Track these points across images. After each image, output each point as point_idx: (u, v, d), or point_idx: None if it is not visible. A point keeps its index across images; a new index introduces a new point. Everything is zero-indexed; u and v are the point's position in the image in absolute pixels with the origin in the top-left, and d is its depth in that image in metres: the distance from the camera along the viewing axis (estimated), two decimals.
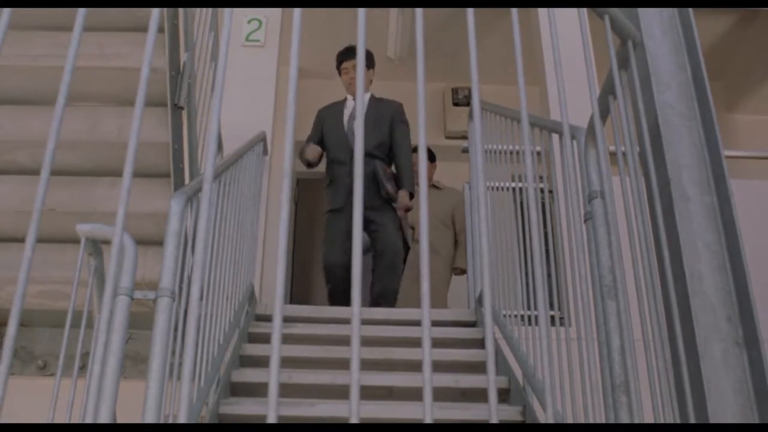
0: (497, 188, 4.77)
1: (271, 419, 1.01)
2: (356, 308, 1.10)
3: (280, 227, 1.12)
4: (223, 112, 4.62)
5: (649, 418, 1.90)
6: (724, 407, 1.94)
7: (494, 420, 1.19)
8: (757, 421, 1.90)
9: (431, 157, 6.70)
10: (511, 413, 3.73)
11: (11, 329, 1.00)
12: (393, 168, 5.99)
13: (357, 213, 1.21)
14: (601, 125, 2.29)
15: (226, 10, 1.33)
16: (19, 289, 1.07)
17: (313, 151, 5.90)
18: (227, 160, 4.06)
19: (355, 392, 1.09)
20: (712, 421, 1.90)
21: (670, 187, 2.18)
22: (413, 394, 3.76)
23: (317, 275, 7.81)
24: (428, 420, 1.12)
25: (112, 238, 1.17)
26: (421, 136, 1.37)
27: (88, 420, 1.03)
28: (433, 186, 6.70)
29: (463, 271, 6.29)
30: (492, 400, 1.20)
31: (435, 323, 4.64)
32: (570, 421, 3.13)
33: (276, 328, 1.09)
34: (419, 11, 1.39)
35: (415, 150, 6.58)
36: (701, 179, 2.20)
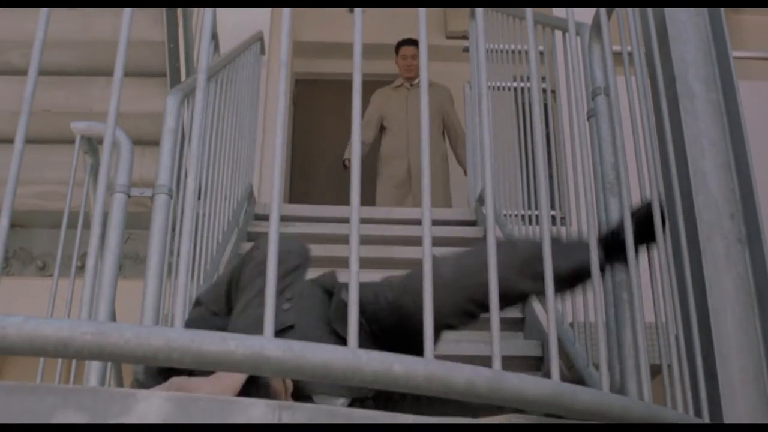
0: (498, 88, 4.71)
1: (269, 322, 0.99)
2: (355, 200, 1.08)
3: (277, 118, 1.08)
4: (219, 11, 4.55)
5: (649, 315, 1.89)
6: (725, 304, 1.94)
7: (495, 321, 1.18)
8: (757, 317, 1.90)
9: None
10: (509, 311, 3.75)
11: (3, 222, 0.98)
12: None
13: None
14: (607, 20, 2.23)
15: None
16: (10, 184, 1.05)
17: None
18: (224, 59, 4.00)
19: (354, 288, 1.08)
20: (712, 317, 1.90)
21: (676, 83, 2.14)
22: None
23: (316, 175, 7.79)
24: (428, 318, 1.11)
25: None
26: (422, 70, 1.33)
27: (84, 314, 1.02)
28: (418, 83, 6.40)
29: None
30: (493, 300, 1.19)
31: (435, 222, 4.64)
32: (569, 319, 3.14)
33: (273, 223, 1.06)
34: (422, 11, 1.33)
35: (409, 42, 6.55)
36: (707, 76, 2.16)
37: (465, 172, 6.25)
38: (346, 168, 6.31)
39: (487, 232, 1.23)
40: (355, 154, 1.19)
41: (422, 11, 1.34)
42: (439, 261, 2.08)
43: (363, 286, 2.08)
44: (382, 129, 6.41)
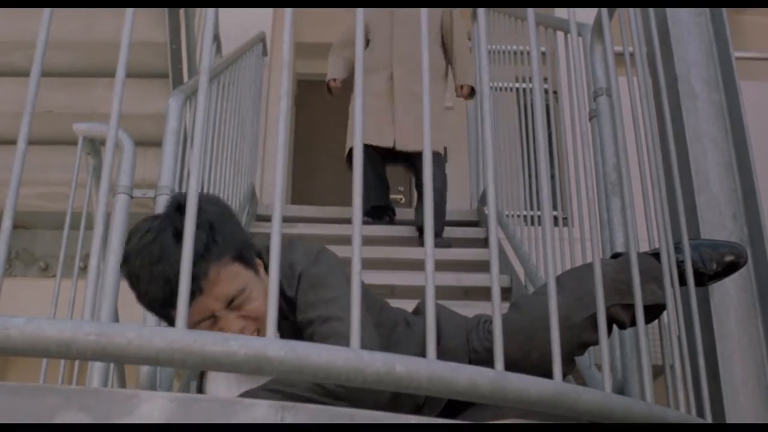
0: (500, 89, 4.71)
1: (271, 323, 1.00)
2: (357, 201, 1.08)
3: (279, 118, 1.09)
4: (221, 12, 4.56)
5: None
6: (727, 304, 1.94)
7: (497, 321, 1.17)
8: (759, 317, 1.91)
9: None
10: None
11: (6, 223, 0.98)
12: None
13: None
14: (608, 20, 2.23)
15: None
16: (13, 185, 1.05)
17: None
18: (226, 60, 4.01)
19: (356, 289, 1.08)
20: (714, 317, 1.91)
21: (678, 83, 2.15)
22: (415, 293, 3.77)
23: (318, 175, 7.79)
24: (430, 318, 1.10)
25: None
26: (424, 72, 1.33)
27: (87, 315, 1.02)
28: None
29: (472, 91, 5.08)
30: (495, 295, 1.19)
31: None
32: None
33: (275, 224, 1.06)
34: (424, 11, 1.33)
35: None
36: (709, 76, 2.16)
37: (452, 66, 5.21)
38: (330, 91, 5.29)
39: (489, 233, 1.23)
40: (357, 158, 1.19)
41: (423, 11, 1.34)
42: (542, 292, 1.95)
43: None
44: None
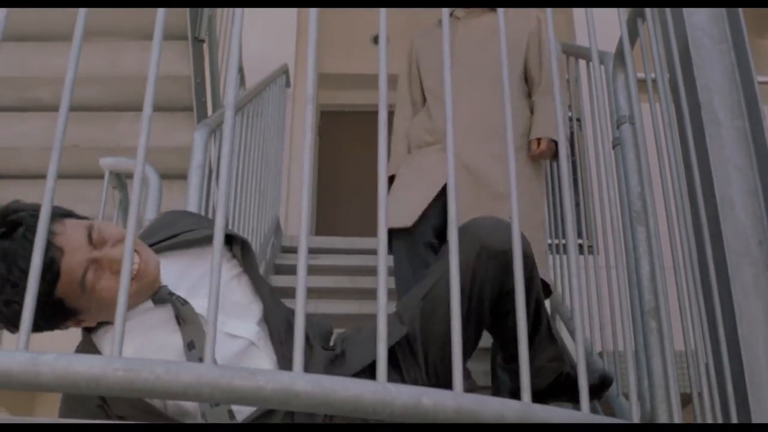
0: None
1: (298, 360, 1.00)
2: (382, 233, 1.08)
3: (304, 153, 1.09)
4: (244, 44, 4.60)
5: (678, 343, 1.88)
6: (755, 332, 1.92)
7: (524, 352, 1.17)
8: None
9: None
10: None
11: (36, 260, 0.99)
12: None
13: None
14: (630, 49, 2.24)
15: None
16: (43, 221, 1.06)
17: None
18: (250, 92, 4.04)
19: (382, 320, 1.08)
20: (742, 344, 1.89)
21: (701, 111, 2.14)
22: None
23: (343, 206, 7.80)
24: (456, 349, 1.10)
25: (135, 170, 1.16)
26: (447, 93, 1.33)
27: (115, 350, 1.03)
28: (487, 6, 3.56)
29: (555, 153, 3.49)
30: (521, 325, 1.19)
31: None
32: (598, 348, 3.12)
33: (302, 256, 1.07)
34: (445, 11, 1.34)
35: None
36: (733, 103, 2.16)
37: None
38: None
39: (514, 264, 1.22)
40: (381, 184, 1.19)
41: (445, 11, 1.34)
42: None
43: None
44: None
